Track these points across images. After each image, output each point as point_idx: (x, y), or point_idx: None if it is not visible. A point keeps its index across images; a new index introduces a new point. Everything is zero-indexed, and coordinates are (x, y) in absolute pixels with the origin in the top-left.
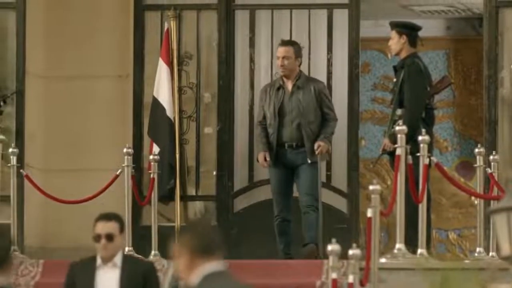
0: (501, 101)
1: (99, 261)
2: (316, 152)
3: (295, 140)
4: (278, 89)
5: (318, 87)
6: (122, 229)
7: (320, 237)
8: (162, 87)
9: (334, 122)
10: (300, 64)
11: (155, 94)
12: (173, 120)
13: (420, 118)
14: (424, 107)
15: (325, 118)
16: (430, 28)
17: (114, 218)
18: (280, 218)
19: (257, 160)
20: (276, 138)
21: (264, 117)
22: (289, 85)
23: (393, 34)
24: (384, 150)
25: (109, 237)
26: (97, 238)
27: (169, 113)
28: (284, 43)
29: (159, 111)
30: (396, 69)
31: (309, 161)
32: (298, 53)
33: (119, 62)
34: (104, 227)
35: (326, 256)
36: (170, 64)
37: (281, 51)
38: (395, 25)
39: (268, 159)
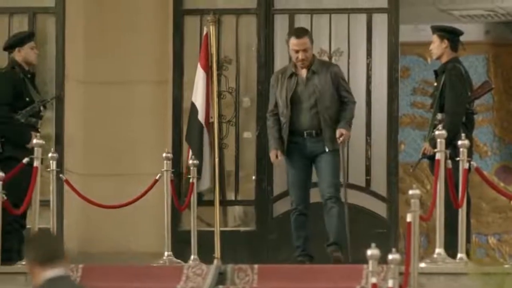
0: None
1: None
2: (339, 141)
3: (315, 128)
4: (290, 76)
5: (334, 70)
6: None
7: (346, 235)
8: (199, 93)
9: (353, 105)
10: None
11: (193, 99)
12: (204, 125)
13: (461, 123)
14: (465, 112)
15: (343, 102)
16: (470, 32)
17: None
18: (297, 212)
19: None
20: (288, 127)
21: (276, 105)
22: (303, 72)
23: (435, 38)
24: (424, 154)
25: None
26: None
27: (200, 117)
28: (299, 34)
29: (195, 117)
30: (437, 73)
31: (327, 150)
32: (312, 40)
33: (158, 67)
34: None
35: (365, 261)
36: (207, 69)
37: (298, 43)
38: (436, 30)
39: (280, 157)
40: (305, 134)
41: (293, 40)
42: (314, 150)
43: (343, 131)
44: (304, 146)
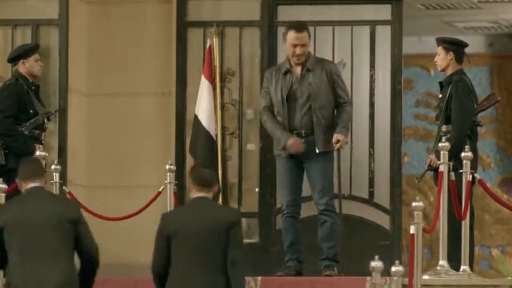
0: None
1: None
2: (335, 147)
3: (305, 127)
4: (285, 73)
5: (330, 68)
6: None
7: (338, 248)
8: (202, 104)
9: (349, 106)
10: None
11: (196, 112)
12: (214, 137)
13: (467, 135)
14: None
15: (339, 103)
16: (473, 44)
17: None
18: (287, 214)
19: (283, 149)
20: (287, 126)
21: (271, 103)
22: (297, 69)
23: (440, 50)
24: (430, 166)
25: None
26: None
27: (209, 129)
28: (298, 28)
29: (200, 129)
30: (442, 85)
31: (317, 151)
32: (309, 36)
33: (162, 79)
34: None
35: (368, 273)
36: (212, 81)
37: (298, 37)
38: (442, 41)
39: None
40: (295, 134)
41: (292, 34)
42: (304, 151)
43: (340, 137)
44: None
